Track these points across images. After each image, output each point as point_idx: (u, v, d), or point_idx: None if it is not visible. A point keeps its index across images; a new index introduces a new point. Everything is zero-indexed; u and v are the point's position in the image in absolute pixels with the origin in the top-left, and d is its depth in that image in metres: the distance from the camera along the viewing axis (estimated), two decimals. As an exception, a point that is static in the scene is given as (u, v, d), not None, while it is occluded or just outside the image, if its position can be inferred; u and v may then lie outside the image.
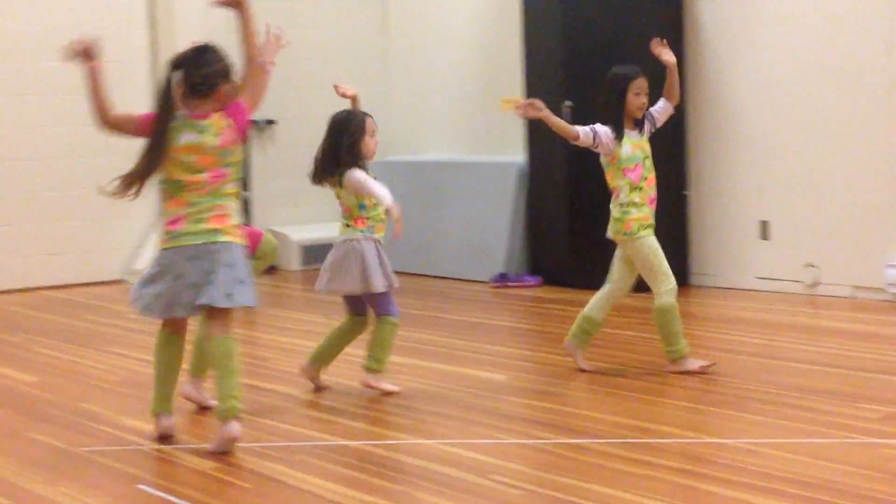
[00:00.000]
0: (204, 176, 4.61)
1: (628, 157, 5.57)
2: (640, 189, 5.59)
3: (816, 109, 7.71)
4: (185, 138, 4.59)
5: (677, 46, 8.21)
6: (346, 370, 5.74)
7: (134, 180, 4.62)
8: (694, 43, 8.33)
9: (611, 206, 5.67)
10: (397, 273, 5.59)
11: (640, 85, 5.59)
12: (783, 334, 6.61)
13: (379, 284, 5.37)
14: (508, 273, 8.76)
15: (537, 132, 8.69)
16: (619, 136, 5.58)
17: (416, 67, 10.17)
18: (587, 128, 5.61)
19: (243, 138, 4.70)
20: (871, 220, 7.48)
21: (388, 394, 5.43)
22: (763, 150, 8.03)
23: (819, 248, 7.76)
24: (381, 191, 5.26)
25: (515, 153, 9.06)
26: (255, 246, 5.30)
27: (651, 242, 5.58)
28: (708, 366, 5.61)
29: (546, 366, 6.15)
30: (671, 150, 8.29)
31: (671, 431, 4.69)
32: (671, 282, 5.59)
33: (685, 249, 8.41)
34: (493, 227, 8.96)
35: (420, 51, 10.12)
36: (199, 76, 4.60)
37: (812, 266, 7.79)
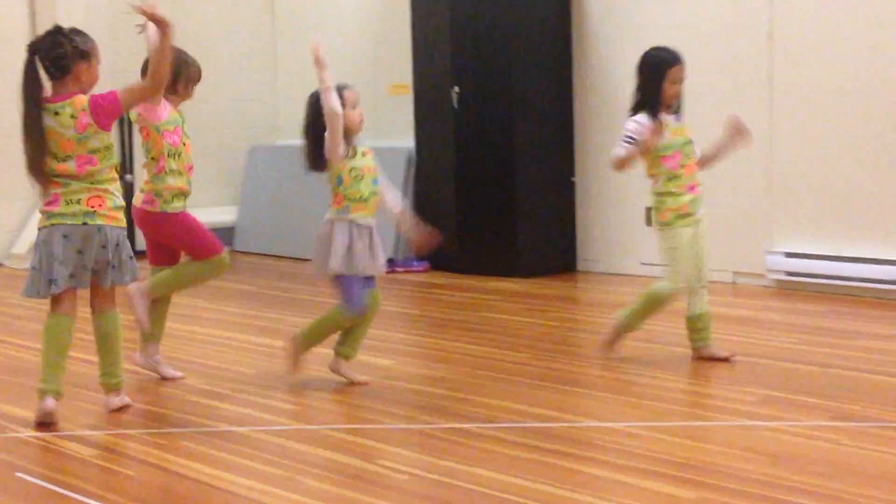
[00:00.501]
0: (71, 164, 4.62)
1: (666, 145, 5.38)
2: (678, 177, 5.40)
3: (699, 96, 7.79)
4: (46, 123, 4.61)
5: (564, 34, 8.32)
6: (240, 357, 5.69)
7: (30, 172, 4.66)
8: (581, 30, 8.41)
9: (651, 193, 5.53)
10: (286, 258, 5.55)
11: (679, 72, 5.42)
12: (666, 320, 6.64)
13: (334, 266, 5.09)
14: (396, 258, 8.76)
15: (426, 117, 8.73)
16: (654, 117, 5.37)
17: (305, 52, 10.06)
18: (624, 144, 5.37)
19: (102, 123, 4.62)
20: (752, 207, 7.64)
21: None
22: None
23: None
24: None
25: (404, 138, 9.06)
26: (206, 255, 5.37)
27: (681, 239, 5.40)
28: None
29: (433, 351, 6.18)
30: (559, 137, 8.40)
31: (557, 416, 4.75)
32: (678, 282, 5.42)
33: (572, 235, 8.51)
34: (380, 212, 8.92)
35: (308, 35, 10.03)
36: (50, 59, 4.61)
37: (695, 252, 7.92)
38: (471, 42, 8.30)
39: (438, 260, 8.64)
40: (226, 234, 9.96)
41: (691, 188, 5.46)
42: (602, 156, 8.37)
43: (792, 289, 7.39)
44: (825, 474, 3.92)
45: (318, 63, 5.05)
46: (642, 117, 5.38)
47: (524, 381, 5.34)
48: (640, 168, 8.16)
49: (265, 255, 9.47)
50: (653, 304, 5.52)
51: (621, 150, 5.37)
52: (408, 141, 8.98)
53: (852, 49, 7.11)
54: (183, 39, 5.17)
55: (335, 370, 5.34)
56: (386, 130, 9.48)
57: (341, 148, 5.08)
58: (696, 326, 5.51)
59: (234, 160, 10.25)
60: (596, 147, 8.40)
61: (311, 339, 5.33)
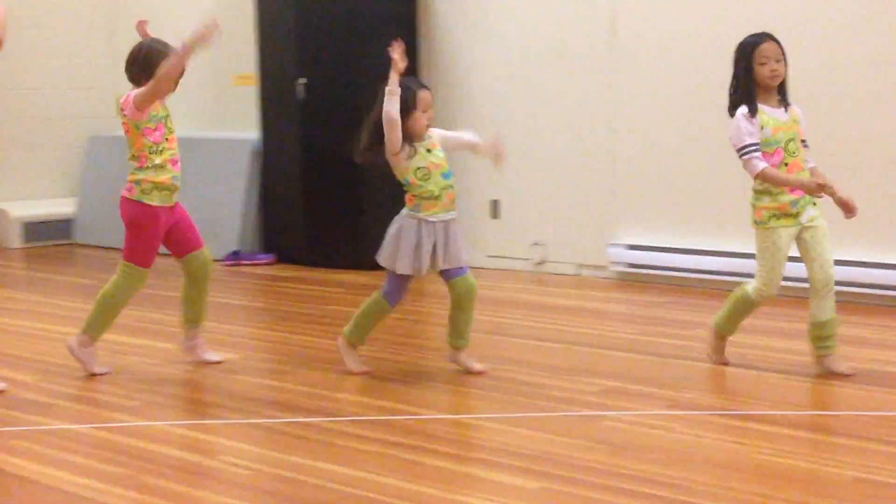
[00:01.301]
0: None
1: (765, 141, 4.95)
2: None
3: (544, 92, 7.95)
4: None
5: (410, 29, 8.33)
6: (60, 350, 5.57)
7: None
8: (427, 25, 8.44)
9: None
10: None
11: (768, 50, 4.93)
12: (512, 311, 6.80)
13: (403, 268, 5.09)
14: (241, 251, 8.69)
15: (271, 109, 8.66)
16: (753, 114, 4.97)
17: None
18: (753, 155, 4.94)
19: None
20: (595, 200, 7.78)
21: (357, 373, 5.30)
22: (493, 129, 8.17)
23: (546, 227, 8.02)
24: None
25: (249, 130, 8.98)
26: (127, 259, 5.33)
27: (776, 239, 4.98)
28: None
29: (279, 344, 6.15)
30: (405, 130, 8.41)
31: (403, 408, 4.76)
32: (768, 286, 5.05)
33: (418, 228, 8.53)
34: (225, 205, 8.86)
35: (151, 26, 9.84)
36: None
37: (539, 245, 8.05)
38: (317, 32, 8.26)
39: (284, 252, 8.60)
40: (64, 226, 9.76)
41: (793, 188, 4.99)
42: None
43: (634, 280, 7.56)
44: (663, 462, 4.02)
45: (395, 65, 5.04)
46: (742, 112, 4.97)
47: (370, 374, 5.35)
48: (485, 163, 8.29)
49: (105, 247, 9.27)
50: (742, 307, 5.17)
51: (757, 163, 4.92)
52: (252, 133, 8.89)
53: (693, 45, 7.27)
54: (16, 25, 5.04)
55: (454, 361, 5.31)
56: (230, 122, 9.39)
57: (402, 152, 5.06)
58: (819, 334, 5.05)
59: (72, 151, 10.01)
60: (442, 140, 8.45)
61: (357, 331, 5.32)
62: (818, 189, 4.89)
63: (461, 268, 5.20)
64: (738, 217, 7.05)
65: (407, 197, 5.15)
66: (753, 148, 4.93)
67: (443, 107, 8.32)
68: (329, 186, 8.31)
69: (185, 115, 9.58)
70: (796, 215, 4.97)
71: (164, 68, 5.11)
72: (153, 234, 5.32)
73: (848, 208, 4.98)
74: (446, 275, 5.19)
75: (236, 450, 4.30)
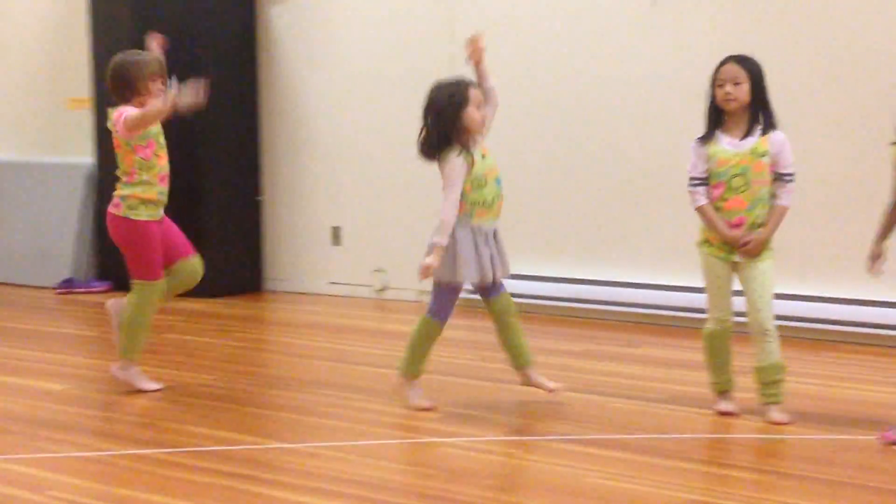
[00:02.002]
0: None
1: (711, 173, 4.79)
2: (719, 209, 4.79)
3: (385, 116, 7.97)
4: None
5: (249, 51, 8.29)
6: None
7: None
8: (266, 47, 8.41)
9: None
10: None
11: (725, 72, 4.72)
12: (353, 338, 6.78)
13: (467, 275, 4.92)
14: (75, 278, 8.49)
15: (107, 132, 8.48)
16: (705, 141, 4.82)
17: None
18: (692, 189, 4.84)
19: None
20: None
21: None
22: (335, 156, 8.21)
23: (388, 253, 8.03)
24: (444, 213, 4.89)
25: (83, 154, 8.80)
26: (138, 276, 5.30)
27: (710, 264, 4.83)
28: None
29: (111, 375, 6.00)
30: (244, 156, 8.36)
31: (240, 438, 4.70)
32: (713, 312, 4.88)
33: (259, 255, 8.49)
34: (59, 231, 8.66)
35: (-20, 43, 9.62)
36: None
37: (380, 271, 8.06)
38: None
39: (120, 280, 8.42)
40: None
41: (732, 226, 4.77)
42: (289, 175, 8.40)
43: (474, 307, 7.56)
44: (500, 488, 4.05)
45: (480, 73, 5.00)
46: (694, 141, 4.84)
47: (207, 403, 5.27)
48: (327, 188, 8.33)
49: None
50: (707, 345, 4.94)
51: (696, 198, 4.82)
52: (87, 157, 8.71)
53: (534, 69, 7.39)
54: None
55: (528, 383, 5.19)
56: (64, 146, 9.18)
57: (460, 158, 4.89)
58: (756, 379, 4.85)
59: None
60: (283, 166, 8.41)
61: (412, 361, 5.14)
62: (736, 246, 4.75)
63: (500, 286, 5.11)
64: (578, 242, 7.23)
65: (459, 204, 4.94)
66: (696, 182, 4.80)
67: (281, 129, 8.32)
68: (167, 213, 8.17)
69: (18, 138, 9.41)
70: (728, 251, 4.79)
71: (150, 111, 5.13)
72: (150, 246, 5.32)
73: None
74: (487, 292, 5.09)
75: (64, 484, 4.18)
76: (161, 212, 5.41)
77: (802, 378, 5.51)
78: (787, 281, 5.23)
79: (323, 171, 8.26)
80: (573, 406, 5.11)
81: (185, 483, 4.15)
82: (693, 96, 6.66)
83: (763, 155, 4.72)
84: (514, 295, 7.23)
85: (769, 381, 4.82)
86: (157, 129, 5.33)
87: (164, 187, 5.36)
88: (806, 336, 6.41)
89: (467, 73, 7.52)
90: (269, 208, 8.45)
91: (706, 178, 4.80)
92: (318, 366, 6.07)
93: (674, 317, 6.88)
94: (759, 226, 4.75)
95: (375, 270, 8.09)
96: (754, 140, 4.72)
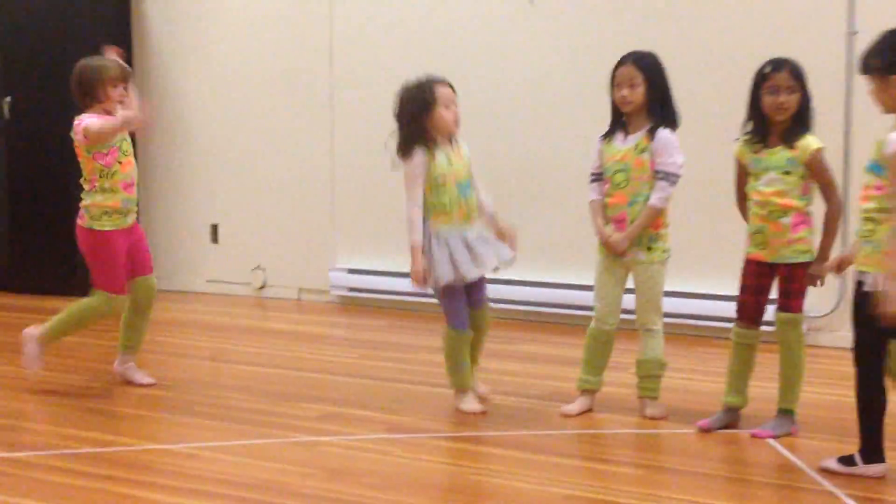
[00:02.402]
0: None
1: (604, 170, 4.87)
2: (606, 205, 4.85)
3: (263, 114, 7.92)
4: None
5: (125, 46, 8.15)
6: None
7: None
8: (142, 43, 8.30)
9: None
10: None
11: (620, 75, 4.74)
12: (232, 337, 6.71)
13: (440, 278, 4.80)
14: (-57, 278, 8.27)
15: (-24, 127, 8.30)
16: (605, 137, 4.88)
17: None
18: (589, 185, 4.93)
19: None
20: (316, 224, 7.80)
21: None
22: (212, 153, 8.13)
23: (267, 250, 7.98)
24: (407, 212, 4.79)
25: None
26: (100, 286, 5.23)
27: (597, 263, 4.90)
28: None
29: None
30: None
31: (114, 440, 4.62)
32: (595, 312, 4.94)
33: (135, 252, 8.35)
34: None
35: None
36: None
37: (260, 269, 8.00)
38: (24, 50, 7.97)
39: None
40: None
41: (616, 221, 4.82)
42: (166, 172, 8.29)
43: (354, 304, 7.61)
44: (380, 486, 4.05)
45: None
46: (597, 141, 4.94)
47: (81, 404, 5.17)
48: (204, 185, 8.23)
49: None
50: (586, 340, 5.00)
51: (589, 193, 4.91)
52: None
53: (411, 71, 7.39)
54: None
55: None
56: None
57: (417, 158, 4.80)
58: (636, 372, 4.95)
59: None
60: (160, 163, 8.31)
61: (453, 375, 5.01)
62: (605, 243, 4.83)
63: (481, 299, 5.01)
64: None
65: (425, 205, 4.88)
66: (591, 178, 4.89)
67: (161, 121, 8.18)
68: (38, 209, 8.02)
69: None
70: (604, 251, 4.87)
71: (112, 124, 5.12)
72: (110, 258, 5.20)
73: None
74: (470, 300, 4.96)
75: (-69, 490, 4.07)
76: (129, 220, 5.29)
77: (677, 373, 5.58)
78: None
79: (200, 167, 8.17)
80: (448, 403, 5.11)
81: (57, 486, 4.06)
82: (575, 95, 6.79)
83: (643, 151, 4.75)
84: (393, 292, 7.34)
85: (647, 374, 4.89)
86: (120, 135, 5.21)
87: (129, 195, 5.25)
88: (681, 332, 6.51)
89: (346, 73, 7.51)
90: (147, 206, 8.31)
91: (600, 175, 4.87)
92: (197, 365, 6.00)
93: (555, 314, 6.94)
94: None
95: (254, 268, 8.00)
96: (639, 136, 4.76)
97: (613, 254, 4.82)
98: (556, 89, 6.94)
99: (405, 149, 4.82)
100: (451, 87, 4.86)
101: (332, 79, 7.63)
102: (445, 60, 7.33)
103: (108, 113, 5.18)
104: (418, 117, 4.79)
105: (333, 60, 7.60)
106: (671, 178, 4.75)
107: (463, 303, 4.91)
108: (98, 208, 5.20)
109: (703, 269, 6.54)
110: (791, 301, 4.57)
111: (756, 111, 4.53)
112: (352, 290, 7.58)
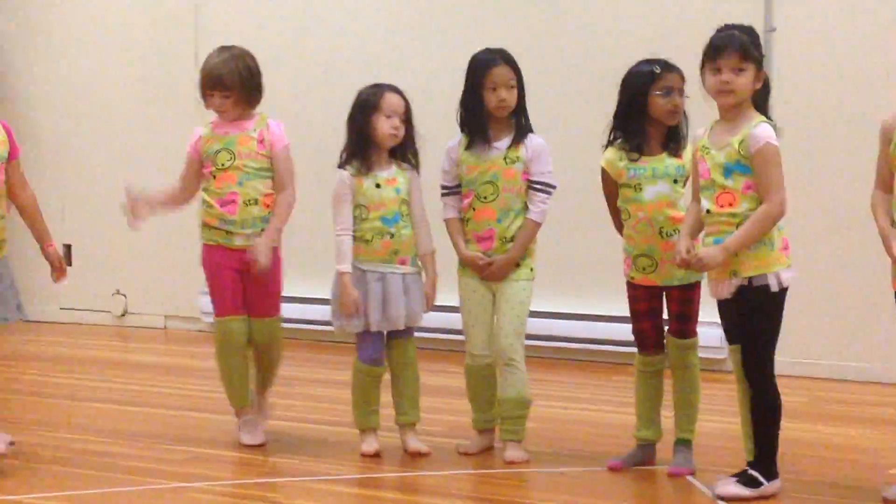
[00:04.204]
0: None
1: (462, 182, 4.73)
2: (468, 220, 4.69)
3: (118, 127, 7.84)
4: None
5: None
6: None
7: None
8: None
9: None
10: None
11: (500, 76, 4.59)
12: (89, 371, 6.56)
13: (334, 319, 4.70)
14: None
15: None
16: (468, 147, 4.71)
17: None
18: (442, 199, 4.79)
19: None
20: (184, 242, 7.38)
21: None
22: (64, 166, 8.01)
23: (128, 273, 7.86)
24: (336, 252, 4.64)
25: None
26: None
27: (462, 288, 4.73)
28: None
29: None
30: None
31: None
32: (468, 346, 4.76)
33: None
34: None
35: None
36: None
37: (121, 294, 7.81)
38: None
39: None
40: None
41: (481, 239, 4.67)
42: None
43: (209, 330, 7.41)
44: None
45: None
46: (448, 145, 4.78)
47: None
48: (57, 204, 7.95)
49: None
50: (465, 378, 4.83)
51: (445, 210, 4.78)
52: None
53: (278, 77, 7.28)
54: None
55: (402, 440, 4.82)
56: None
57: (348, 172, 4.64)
58: (496, 413, 4.77)
59: None
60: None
61: (354, 414, 4.80)
62: (476, 270, 4.66)
63: (404, 330, 4.76)
64: (313, 253, 6.96)
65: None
66: (443, 191, 4.74)
67: (22, 142, 7.89)
68: None
69: None
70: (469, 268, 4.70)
71: None
72: None
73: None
74: (387, 335, 4.77)
75: None
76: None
77: (577, 404, 5.58)
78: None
79: (54, 185, 7.98)
80: (328, 443, 5.00)
81: None
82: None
83: (515, 161, 4.62)
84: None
85: (509, 416, 4.70)
86: (2, 154, 4.80)
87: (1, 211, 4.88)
88: (540, 355, 6.42)
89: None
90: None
91: (456, 188, 4.72)
92: (52, 405, 5.78)
93: (434, 339, 6.78)
94: (512, 239, 4.63)
95: (114, 293, 7.79)
96: (506, 144, 4.62)
97: (491, 279, 4.64)
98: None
99: (340, 161, 4.70)
100: (403, 96, 4.69)
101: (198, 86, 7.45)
102: (317, 65, 7.24)
103: None
104: (359, 124, 4.65)
105: (199, 67, 7.41)
106: (549, 189, 4.65)
107: (375, 338, 4.73)
108: None
109: (594, 287, 6.54)
110: (687, 325, 4.51)
111: (637, 115, 4.40)
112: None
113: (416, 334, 4.83)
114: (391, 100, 4.63)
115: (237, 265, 4.88)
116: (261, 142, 4.87)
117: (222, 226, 4.90)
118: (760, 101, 4.16)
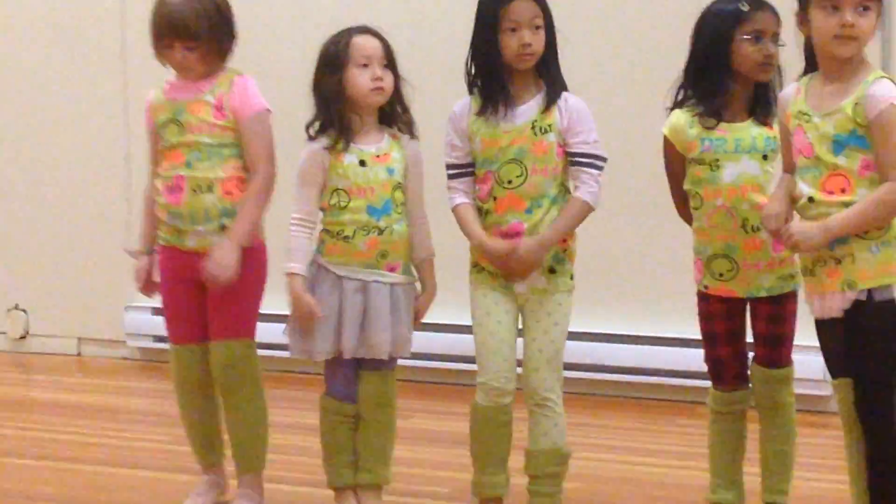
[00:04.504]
0: None
1: (477, 160, 4.05)
2: (488, 213, 3.92)
3: (9, 116, 7.15)
4: None
5: None
6: None
7: None
8: None
9: None
10: None
11: (518, 11, 3.80)
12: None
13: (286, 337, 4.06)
14: None
15: None
16: (480, 112, 3.96)
17: None
18: (449, 182, 4.01)
19: None
20: (103, 247, 6.79)
21: None
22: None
23: (29, 285, 7.10)
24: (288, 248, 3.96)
25: None
26: None
27: (477, 299, 3.95)
28: None
29: None
30: None
31: None
32: (481, 376, 3.97)
33: None
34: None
35: None
36: None
37: (19, 310, 7.08)
38: None
39: None
40: None
41: (505, 236, 3.95)
42: None
43: (162, 360, 6.49)
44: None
45: None
46: (453, 111, 4.05)
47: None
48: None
49: None
50: (471, 422, 4.06)
51: (452, 196, 4.01)
52: None
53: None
54: None
55: None
56: None
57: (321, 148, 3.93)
58: (525, 468, 4.04)
59: None
60: None
61: (325, 467, 4.14)
62: (501, 258, 3.88)
63: (379, 361, 4.09)
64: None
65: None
66: (451, 172, 3.95)
67: None
68: None
69: None
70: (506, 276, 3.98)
71: None
72: None
73: None
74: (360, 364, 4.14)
75: None
76: None
77: (628, 455, 4.97)
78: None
79: None
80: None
81: None
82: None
83: (548, 131, 3.87)
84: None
85: (541, 474, 4.03)
86: None
87: None
88: (581, 390, 5.70)
89: (142, 78, 6.48)
90: None
91: (468, 167, 3.95)
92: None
93: (431, 369, 6.10)
94: None
95: (10, 309, 7.02)
96: (534, 108, 3.88)
97: (508, 277, 3.89)
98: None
99: (314, 130, 4.00)
100: (377, 36, 3.99)
101: (126, 78, 6.89)
102: (254, 52, 6.61)
103: None
104: (326, 86, 3.95)
105: (127, 58, 6.87)
106: (599, 163, 3.91)
107: (341, 369, 4.12)
108: None
109: (652, 300, 5.84)
110: (779, 351, 3.93)
111: (717, 67, 3.79)
112: (158, 339, 6.57)
113: (407, 362, 4.30)
114: (362, 43, 3.96)
115: (193, 274, 4.13)
116: (219, 109, 4.13)
117: (170, 220, 4.19)
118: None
